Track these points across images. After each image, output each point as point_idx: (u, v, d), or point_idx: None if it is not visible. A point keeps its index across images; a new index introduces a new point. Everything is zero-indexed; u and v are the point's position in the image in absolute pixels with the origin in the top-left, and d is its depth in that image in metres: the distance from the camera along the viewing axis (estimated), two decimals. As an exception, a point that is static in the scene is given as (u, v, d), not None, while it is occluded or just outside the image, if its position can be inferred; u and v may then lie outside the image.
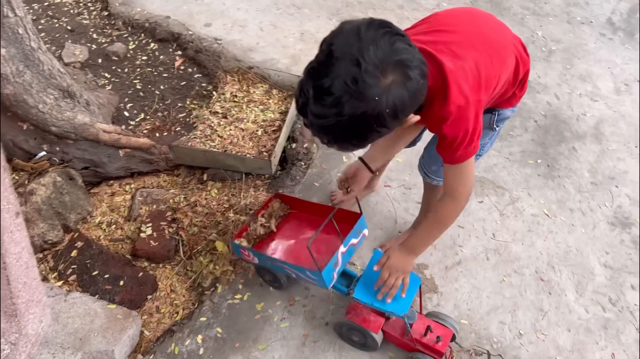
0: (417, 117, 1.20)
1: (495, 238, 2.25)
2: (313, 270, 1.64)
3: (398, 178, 2.45)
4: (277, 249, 1.92)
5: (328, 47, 1.05)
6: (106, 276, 2.00)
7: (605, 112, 2.98)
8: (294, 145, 2.58)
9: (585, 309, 2.05)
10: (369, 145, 1.67)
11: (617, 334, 1.98)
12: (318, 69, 1.05)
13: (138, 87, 2.85)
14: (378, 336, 1.72)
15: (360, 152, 1.75)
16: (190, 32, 3.15)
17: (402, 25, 1.20)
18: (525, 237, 2.27)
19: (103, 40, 3.12)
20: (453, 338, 1.79)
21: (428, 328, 1.70)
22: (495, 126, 1.64)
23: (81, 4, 3.45)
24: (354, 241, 1.78)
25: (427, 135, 1.83)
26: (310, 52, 3.11)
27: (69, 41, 3.06)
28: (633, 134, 2.85)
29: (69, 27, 3.20)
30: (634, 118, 2.96)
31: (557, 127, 2.84)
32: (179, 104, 2.79)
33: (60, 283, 1.97)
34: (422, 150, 1.89)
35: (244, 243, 1.88)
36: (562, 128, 2.83)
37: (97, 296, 1.93)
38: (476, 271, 2.12)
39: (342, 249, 1.70)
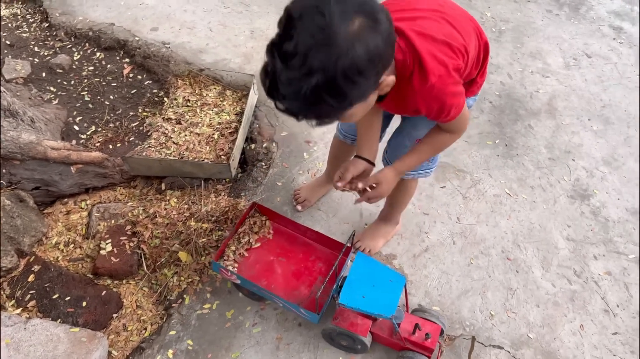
0: (393, 77, 1.16)
1: (460, 222, 2.26)
2: (309, 310, 1.69)
3: (360, 170, 2.43)
4: (260, 269, 1.88)
5: (286, 15, 1.01)
6: (67, 298, 1.92)
7: (557, 88, 3.03)
8: (252, 146, 2.54)
9: (552, 283, 2.08)
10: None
11: (584, 305, 2.03)
12: (279, 39, 1.00)
13: (86, 98, 2.76)
14: (367, 339, 1.71)
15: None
16: (137, 38, 3.06)
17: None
18: (489, 218, 2.29)
19: (45, 53, 3.00)
20: (441, 333, 1.79)
21: (416, 326, 1.69)
22: None
23: (19, 17, 3.30)
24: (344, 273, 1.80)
25: (391, 129, 1.83)
26: (262, 50, 3.05)
27: (9, 56, 2.93)
28: (585, 107, 2.91)
29: (8, 42, 3.06)
30: (584, 91, 3.02)
31: (511, 105, 2.87)
32: (131, 113, 2.71)
33: (18, 310, 1.88)
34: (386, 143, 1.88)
35: (230, 267, 1.85)
36: (517, 107, 2.87)
37: (59, 320, 1.86)
38: (444, 257, 2.13)
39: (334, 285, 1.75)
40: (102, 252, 2.04)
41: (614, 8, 3.76)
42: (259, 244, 1.93)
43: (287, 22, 1.00)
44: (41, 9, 3.32)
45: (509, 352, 1.86)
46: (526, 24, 3.52)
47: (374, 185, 1.53)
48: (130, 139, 2.56)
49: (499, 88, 2.98)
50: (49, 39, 3.12)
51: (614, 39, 3.45)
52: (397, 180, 1.58)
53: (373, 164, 1.59)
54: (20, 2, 3.40)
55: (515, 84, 3.02)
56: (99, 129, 2.61)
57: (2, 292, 1.93)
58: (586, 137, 2.73)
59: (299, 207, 2.24)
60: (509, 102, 2.89)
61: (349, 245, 1.82)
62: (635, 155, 2.64)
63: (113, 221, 2.16)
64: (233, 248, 1.88)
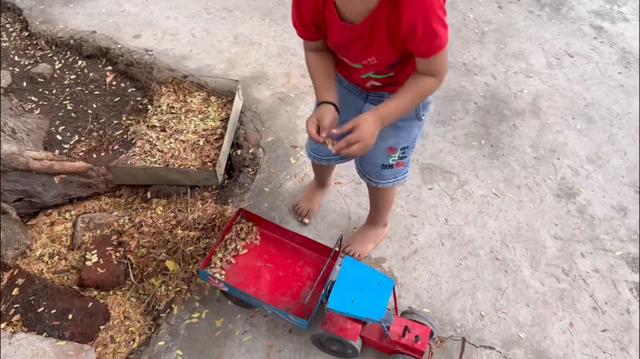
0: None
1: (448, 223, 2.26)
2: (298, 316, 1.67)
3: (347, 174, 2.43)
4: (248, 276, 1.86)
5: None
6: (53, 311, 1.89)
7: (540, 87, 3.06)
8: (239, 152, 2.52)
9: (541, 282, 2.09)
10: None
11: (573, 303, 2.04)
12: None
13: (69, 107, 2.72)
14: (357, 343, 1.70)
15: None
16: (119, 46, 3.03)
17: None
18: (477, 219, 2.30)
19: (26, 62, 2.96)
20: (431, 335, 1.78)
21: (406, 329, 1.68)
22: (421, 116, 1.63)
23: (-1, 26, 3.26)
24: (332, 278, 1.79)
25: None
26: (246, 55, 3.05)
27: (-11, 66, 2.89)
28: (568, 106, 2.94)
29: (-13, 52, 3.02)
30: (567, 90, 3.05)
31: (496, 106, 2.89)
32: (115, 121, 2.68)
33: (3, 324, 1.85)
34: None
35: (217, 274, 1.83)
36: (502, 107, 2.88)
37: (44, 334, 1.83)
38: (433, 258, 2.13)
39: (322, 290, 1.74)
40: (88, 263, 2.01)
41: (594, 8, 3.80)
42: (246, 250, 1.92)
43: None
44: (21, 17, 3.28)
45: (500, 352, 1.86)
46: (508, 24, 3.55)
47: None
48: (115, 148, 2.53)
49: (484, 89, 2.99)
50: (30, 47, 3.08)
51: (595, 38, 3.50)
52: (378, 126, 1.42)
53: (338, 110, 1.50)
54: (-1, 11, 3.36)
55: (499, 85, 3.04)
56: (83, 138, 2.57)
57: (-15, 307, 1.89)
58: (570, 135, 2.75)
59: (305, 220, 2.20)
60: (493, 102, 2.91)
61: (337, 249, 1.81)
62: (619, 153, 2.67)
63: (98, 232, 2.13)
64: (220, 255, 1.86)
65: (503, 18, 3.60)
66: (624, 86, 3.12)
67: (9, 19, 3.31)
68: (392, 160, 1.73)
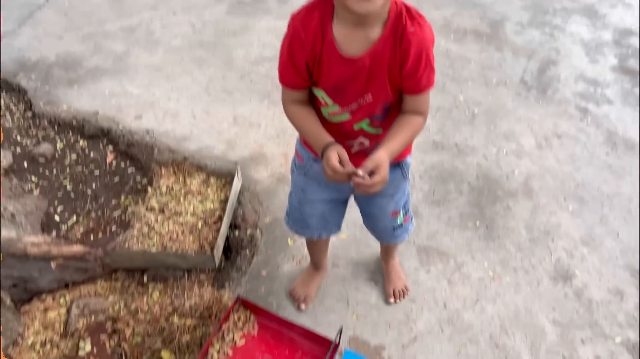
0: None
1: (446, 308, 2.25)
2: None
3: (345, 257, 2.44)
4: None
5: None
6: (42, 405, 1.83)
7: (531, 168, 3.13)
8: (236, 233, 2.53)
9: (543, 371, 2.06)
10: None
11: (576, 393, 2.00)
12: None
13: (68, 188, 2.75)
14: None
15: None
16: (121, 126, 3.11)
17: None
18: (476, 303, 2.29)
19: (28, 142, 3.02)
20: None
21: None
22: (407, 175, 1.75)
23: (2, 107, 3.34)
24: None
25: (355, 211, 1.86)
26: (245, 135, 3.13)
27: (-9, 146, 2.94)
28: (559, 187, 3.01)
29: (-10, 132, 3.08)
30: (558, 171, 3.12)
31: (489, 187, 2.95)
32: (114, 202, 2.70)
33: (-11, 421, 1.78)
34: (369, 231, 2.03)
35: None
36: (495, 188, 2.94)
37: None
38: (433, 346, 2.10)
39: None
40: (81, 353, 1.96)
41: (578, 90, 3.96)
42: (243, 341, 1.89)
43: None
44: (25, 98, 3.37)
45: None
46: (498, 106, 3.68)
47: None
48: (113, 229, 2.54)
49: (476, 169, 3.06)
50: (32, 128, 3.15)
51: (581, 119, 3.62)
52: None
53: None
54: (4, 92, 3.44)
55: (491, 165, 3.12)
56: (81, 219, 2.58)
57: (-28, 401, 1.82)
58: (563, 217, 2.80)
59: (302, 306, 2.18)
60: (486, 183, 2.97)
61: (337, 342, 1.79)
62: (612, 234, 2.70)
63: (93, 318, 2.10)
64: (217, 346, 1.83)
65: (492, 100, 3.74)
66: (612, 166, 3.20)
67: (13, 99, 3.40)
68: (400, 220, 1.89)
